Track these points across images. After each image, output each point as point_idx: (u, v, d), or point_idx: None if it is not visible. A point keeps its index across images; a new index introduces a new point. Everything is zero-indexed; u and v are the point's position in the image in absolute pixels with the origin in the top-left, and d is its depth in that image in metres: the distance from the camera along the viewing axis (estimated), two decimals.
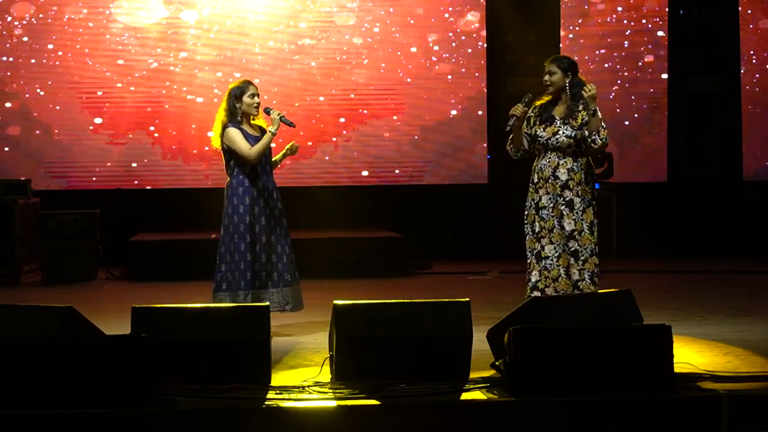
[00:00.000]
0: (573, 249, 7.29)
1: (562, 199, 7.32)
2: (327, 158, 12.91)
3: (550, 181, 7.35)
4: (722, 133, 13.54)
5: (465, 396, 5.39)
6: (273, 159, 7.68)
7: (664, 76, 13.38)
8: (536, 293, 7.34)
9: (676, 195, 13.42)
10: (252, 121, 7.57)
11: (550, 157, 7.38)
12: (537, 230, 7.41)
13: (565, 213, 7.31)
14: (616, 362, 5.35)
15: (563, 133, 7.36)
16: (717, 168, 13.53)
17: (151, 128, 12.64)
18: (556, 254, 7.32)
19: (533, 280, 7.39)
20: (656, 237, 13.12)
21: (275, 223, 7.56)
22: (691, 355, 6.35)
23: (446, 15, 13.02)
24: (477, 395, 5.39)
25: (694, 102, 13.48)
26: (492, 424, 5.19)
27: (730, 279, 10.89)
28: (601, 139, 7.26)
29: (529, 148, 7.47)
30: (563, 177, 7.33)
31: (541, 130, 7.41)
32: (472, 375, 5.69)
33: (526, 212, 7.47)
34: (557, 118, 7.43)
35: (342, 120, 12.90)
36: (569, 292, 7.23)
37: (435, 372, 5.60)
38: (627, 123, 13.37)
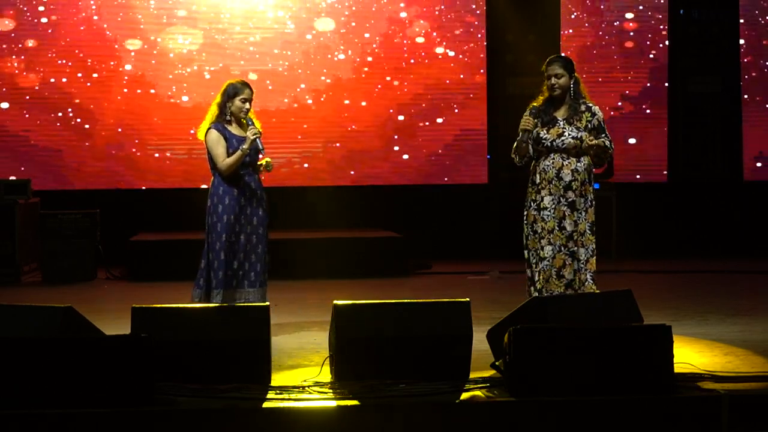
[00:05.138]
0: (572, 250, 7.30)
1: (564, 200, 7.32)
2: (327, 158, 12.91)
3: (553, 182, 7.33)
4: (722, 133, 13.54)
5: (465, 396, 5.39)
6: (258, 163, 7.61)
7: (664, 76, 13.38)
8: (535, 294, 7.36)
9: (676, 195, 13.42)
10: (243, 121, 7.50)
11: (553, 158, 7.36)
12: (539, 231, 7.42)
13: (567, 214, 7.31)
14: (616, 362, 5.35)
15: (569, 134, 7.33)
16: (717, 168, 13.53)
17: (152, 127, 12.66)
18: (552, 255, 7.34)
19: (536, 281, 7.41)
20: (656, 237, 13.12)
21: (258, 224, 7.49)
22: (691, 355, 6.35)
23: (446, 15, 13.02)
24: (477, 395, 5.39)
25: (694, 102, 13.48)
26: (492, 424, 5.19)
27: (730, 279, 10.90)
28: (605, 160, 7.46)
29: (533, 152, 7.44)
30: (567, 178, 7.32)
31: (544, 132, 7.37)
32: (472, 375, 5.69)
33: (525, 212, 7.47)
34: (559, 119, 7.39)
35: (342, 120, 12.90)
36: (561, 293, 7.26)
37: (435, 372, 5.60)
38: (627, 123, 13.36)
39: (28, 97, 12.51)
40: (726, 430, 5.20)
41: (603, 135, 7.35)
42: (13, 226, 11.04)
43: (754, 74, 13.49)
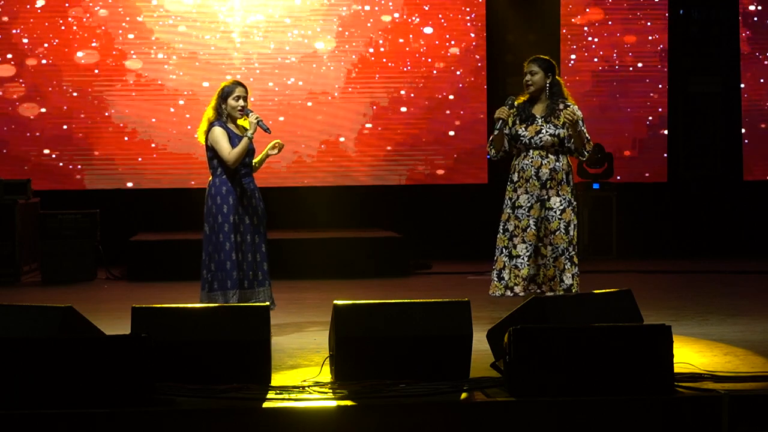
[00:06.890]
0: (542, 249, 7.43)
1: (537, 198, 7.43)
2: (327, 158, 12.91)
3: (531, 180, 7.46)
4: (722, 133, 13.53)
5: (465, 396, 5.39)
6: (254, 160, 7.63)
7: (665, 76, 13.38)
8: (508, 292, 7.48)
9: (676, 195, 13.41)
10: (239, 122, 7.52)
11: (532, 157, 7.47)
12: (511, 229, 7.51)
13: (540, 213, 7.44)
14: (616, 362, 5.34)
15: (546, 131, 7.45)
16: (717, 168, 13.53)
17: (152, 127, 12.66)
18: (527, 254, 7.42)
19: (505, 278, 7.52)
20: (656, 237, 13.12)
21: (258, 223, 7.53)
22: (691, 355, 6.35)
23: (446, 15, 13.01)
24: (477, 395, 5.39)
25: (694, 102, 13.48)
26: (492, 424, 5.19)
27: (730, 279, 10.89)
28: (587, 152, 7.51)
29: (509, 148, 7.58)
30: (544, 177, 7.43)
31: (523, 129, 7.51)
32: (472, 375, 5.69)
33: (503, 210, 7.60)
34: (538, 116, 7.52)
35: (342, 120, 12.90)
36: (539, 292, 7.35)
37: (435, 372, 5.60)
38: (627, 123, 13.36)
39: (27, 97, 12.51)
40: (726, 430, 5.20)
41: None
42: (13, 226, 11.04)
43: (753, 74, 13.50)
